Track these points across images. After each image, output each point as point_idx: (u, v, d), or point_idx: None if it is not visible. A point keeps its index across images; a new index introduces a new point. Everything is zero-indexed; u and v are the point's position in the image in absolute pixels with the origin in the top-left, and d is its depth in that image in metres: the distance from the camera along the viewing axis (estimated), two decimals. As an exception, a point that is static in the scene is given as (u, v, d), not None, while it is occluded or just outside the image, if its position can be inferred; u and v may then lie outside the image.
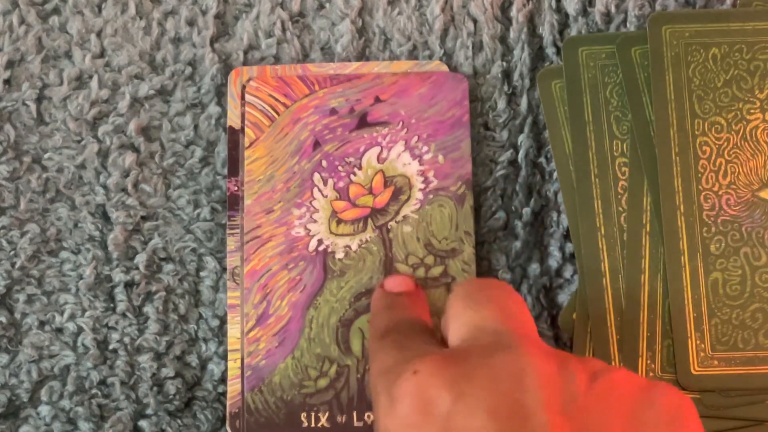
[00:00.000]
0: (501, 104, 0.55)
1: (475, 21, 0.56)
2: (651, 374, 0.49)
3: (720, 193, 0.50)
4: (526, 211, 0.53)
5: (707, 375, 0.48)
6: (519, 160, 0.54)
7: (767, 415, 0.48)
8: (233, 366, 0.51)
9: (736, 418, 0.48)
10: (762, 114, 0.51)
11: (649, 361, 0.49)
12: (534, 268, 0.52)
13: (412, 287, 0.49)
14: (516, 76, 0.55)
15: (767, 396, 0.48)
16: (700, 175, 0.50)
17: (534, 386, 0.38)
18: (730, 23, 0.52)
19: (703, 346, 0.48)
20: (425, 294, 0.50)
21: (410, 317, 0.46)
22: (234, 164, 0.53)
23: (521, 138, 0.54)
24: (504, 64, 0.55)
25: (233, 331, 0.51)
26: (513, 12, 0.56)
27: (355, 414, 0.50)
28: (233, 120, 0.53)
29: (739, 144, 0.51)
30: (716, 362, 0.48)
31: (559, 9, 0.56)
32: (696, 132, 0.51)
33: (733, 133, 0.51)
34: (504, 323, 0.41)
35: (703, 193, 0.50)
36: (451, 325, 0.42)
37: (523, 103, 0.55)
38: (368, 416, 0.50)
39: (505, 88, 0.55)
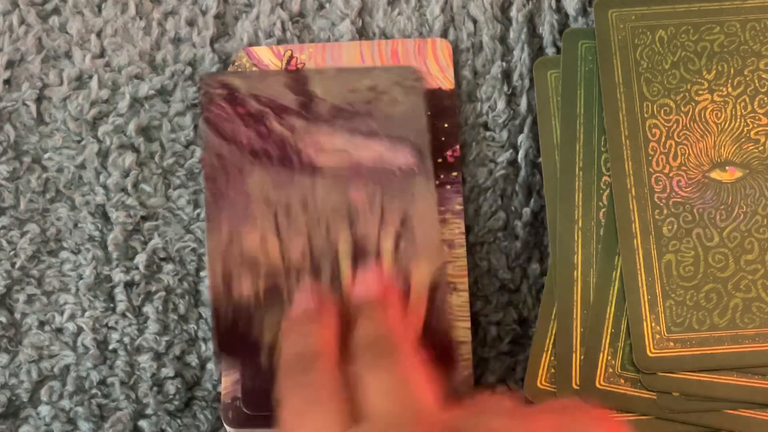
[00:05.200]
0: (501, 104, 0.55)
1: (475, 21, 0.56)
2: (611, 370, 0.48)
3: (671, 175, 0.50)
4: (526, 212, 0.53)
5: (663, 357, 0.48)
6: (519, 160, 0.54)
7: (723, 424, 0.47)
8: None
9: (692, 423, 0.47)
10: (710, 95, 0.51)
11: (609, 357, 0.49)
12: (534, 268, 0.52)
13: (313, 304, 0.48)
14: (516, 76, 0.55)
15: (726, 405, 0.48)
16: (650, 158, 0.50)
17: None
18: (676, 5, 0.52)
19: (658, 328, 0.48)
20: (331, 305, 0.47)
21: (312, 352, 0.45)
22: None
23: (521, 138, 0.54)
24: (504, 64, 0.55)
25: None
26: (513, 12, 0.56)
27: None
28: None
29: (688, 125, 0.51)
30: (672, 344, 0.48)
31: (559, 9, 0.56)
32: (645, 115, 0.51)
33: (682, 114, 0.51)
34: (399, 401, 0.41)
35: (654, 176, 0.50)
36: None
37: (523, 103, 0.55)
38: None
39: (505, 88, 0.55)
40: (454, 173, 0.53)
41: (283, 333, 0.47)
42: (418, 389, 0.42)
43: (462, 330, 0.51)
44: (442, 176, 0.53)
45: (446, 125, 0.54)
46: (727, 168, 0.50)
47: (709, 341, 0.48)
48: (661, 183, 0.50)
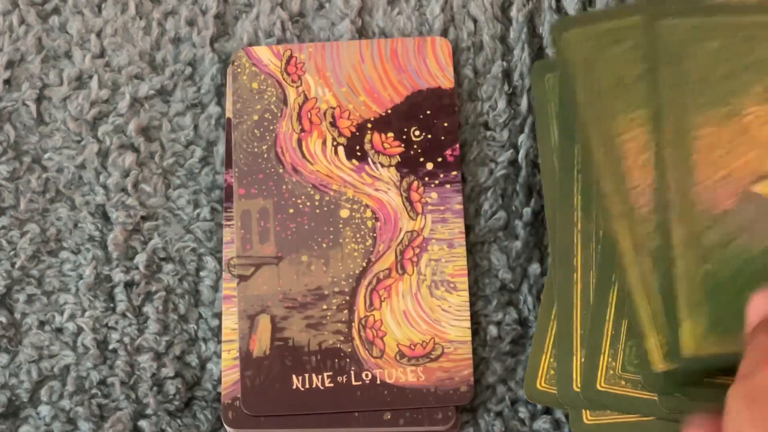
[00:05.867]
0: (501, 104, 0.55)
1: (475, 21, 0.56)
2: (611, 372, 0.48)
3: (714, 186, 0.50)
4: (526, 211, 0.53)
5: (702, 357, 0.47)
6: (519, 160, 0.54)
7: None
8: (227, 357, 0.51)
9: None
10: (760, 106, 0.51)
11: (610, 359, 0.48)
12: (534, 268, 0.52)
13: None
14: (516, 76, 0.55)
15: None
16: (694, 169, 0.50)
17: None
18: (726, 16, 0.52)
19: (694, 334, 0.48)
20: None
21: None
22: (231, 156, 0.53)
23: (521, 138, 0.54)
24: (504, 64, 0.55)
25: (228, 322, 0.51)
26: (513, 12, 0.56)
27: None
28: (229, 111, 0.54)
29: (733, 138, 0.50)
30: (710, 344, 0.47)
31: (559, 9, 0.56)
32: (691, 126, 0.50)
33: (727, 127, 0.50)
34: None
35: (697, 187, 0.50)
36: None
37: (523, 103, 0.55)
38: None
39: (505, 88, 0.55)
40: (454, 172, 0.53)
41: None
42: None
43: (462, 330, 0.51)
44: (441, 175, 0.53)
45: (446, 124, 0.54)
46: None
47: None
48: (703, 194, 0.49)
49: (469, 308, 0.51)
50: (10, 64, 0.55)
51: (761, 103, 0.51)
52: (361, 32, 0.56)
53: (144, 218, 0.54)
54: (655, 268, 0.49)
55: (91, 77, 0.55)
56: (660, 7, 0.52)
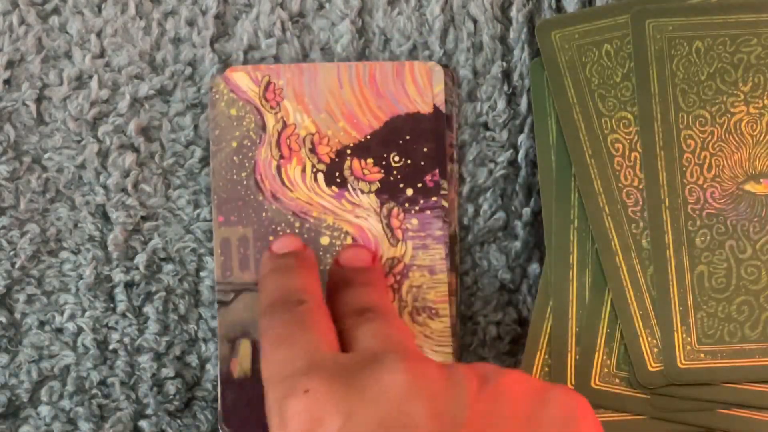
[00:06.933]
0: (501, 104, 0.55)
1: (475, 21, 0.56)
2: (606, 370, 0.49)
3: (705, 186, 0.50)
4: (526, 211, 0.53)
5: (694, 368, 0.48)
6: (519, 160, 0.54)
7: (716, 423, 0.47)
8: None
9: (685, 423, 0.48)
10: (746, 107, 0.51)
11: (605, 357, 0.49)
12: (534, 268, 0.52)
13: (299, 247, 0.49)
14: (516, 76, 0.55)
15: (717, 405, 0.48)
16: (684, 169, 0.50)
17: (420, 398, 0.39)
18: (713, 16, 0.52)
19: (689, 339, 0.48)
20: (314, 254, 0.50)
21: (297, 286, 0.46)
22: None
23: (521, 138, 0.54)
24: (504, 64, 0.55)
25: None
26: (513, 12, 0.56)
27: None
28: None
29: (723, 137, 0.50)
30: (702, 355, 0.48)
31: (559, 9, 0.56)
32: (680, 125, 0.51)
33: (717, 126, 0.51)
34: (388, 339, 0.43)
35: (688, 187, 0.50)
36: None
37: (524, 102, 0.55)
38: None
39: (505, 88, 0.55)
40: (434, 198, 0.52)
41: (264, 269, 0.48)
42: (403, 337, 0.44)
43: (444, 356, 0.50)
44: (422, 201, 0.52)
45: (425, 149, 0.53)
46: (761, 180, 0.50)
47: (740, 353, 0.48)
48: (694, 194, 0.50)
49: (451, 335, 0.51)
50: (10, 64, 0.55)
51: (749, 102, 0.51)
52: (361, 32, 0.56)
53: (144, 218, 0.54)
54: (646, 269, 0.49)
55: (91, 77, 0.55)
56: (646, 6, 0.52)
